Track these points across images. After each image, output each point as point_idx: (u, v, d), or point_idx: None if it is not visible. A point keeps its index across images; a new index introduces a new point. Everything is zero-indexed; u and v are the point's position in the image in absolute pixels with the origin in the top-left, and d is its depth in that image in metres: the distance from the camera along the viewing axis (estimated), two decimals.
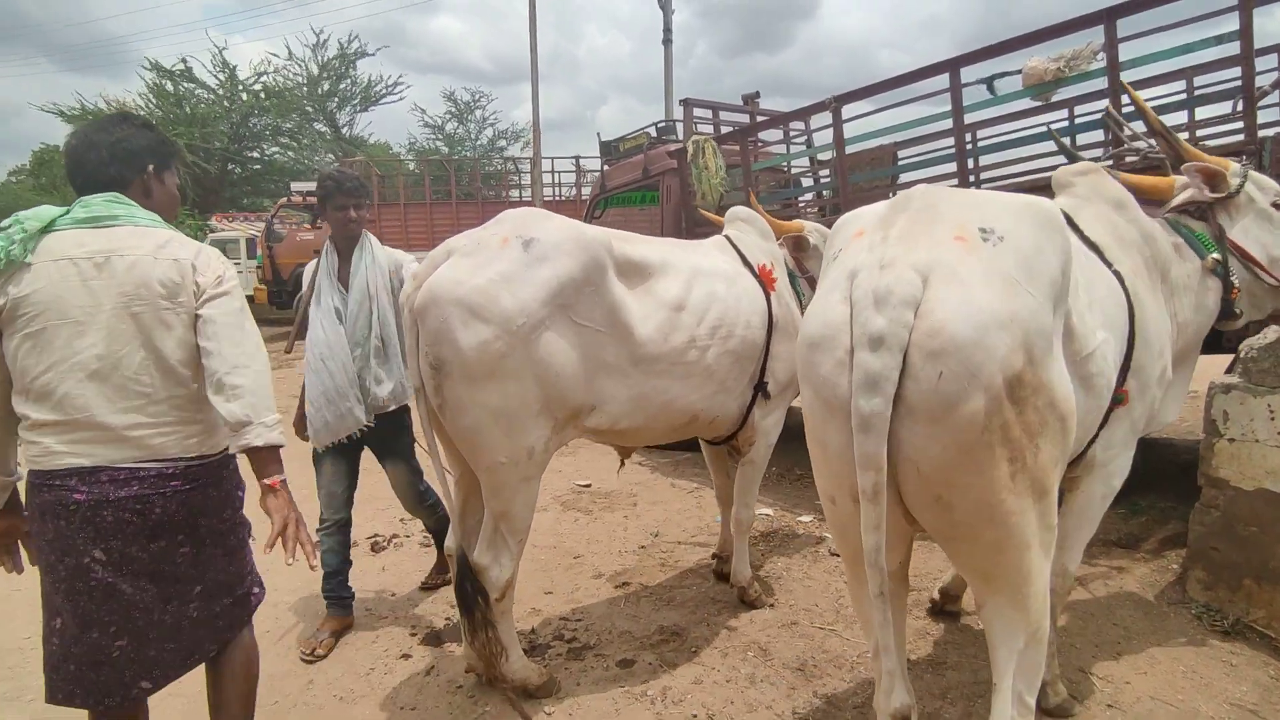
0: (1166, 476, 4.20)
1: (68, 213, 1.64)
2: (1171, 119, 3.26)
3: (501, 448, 2.17)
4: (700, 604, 3.18)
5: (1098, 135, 3.70)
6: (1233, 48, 2.87)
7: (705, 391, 2.57)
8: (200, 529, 1.71)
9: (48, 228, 1.61)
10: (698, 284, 2.55)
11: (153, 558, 1.64)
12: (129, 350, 1.58)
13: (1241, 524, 2.66)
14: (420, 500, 3.13)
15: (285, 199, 15.58)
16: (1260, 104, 2.96)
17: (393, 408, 2.90)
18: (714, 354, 2.53)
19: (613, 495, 4.68)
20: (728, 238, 2.98)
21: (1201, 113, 3.21)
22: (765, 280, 2.77)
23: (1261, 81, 2.97)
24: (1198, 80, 3.06)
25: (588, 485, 4.88)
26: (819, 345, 1.45)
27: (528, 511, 2.35)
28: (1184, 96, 3.34)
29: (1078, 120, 3.59)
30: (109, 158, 1.69)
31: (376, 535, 3.97)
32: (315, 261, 2.93)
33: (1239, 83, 2.91)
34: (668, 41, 11.52)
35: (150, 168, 1.76)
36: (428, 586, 3.38)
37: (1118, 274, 1.98)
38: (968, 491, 1.35)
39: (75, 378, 1.55)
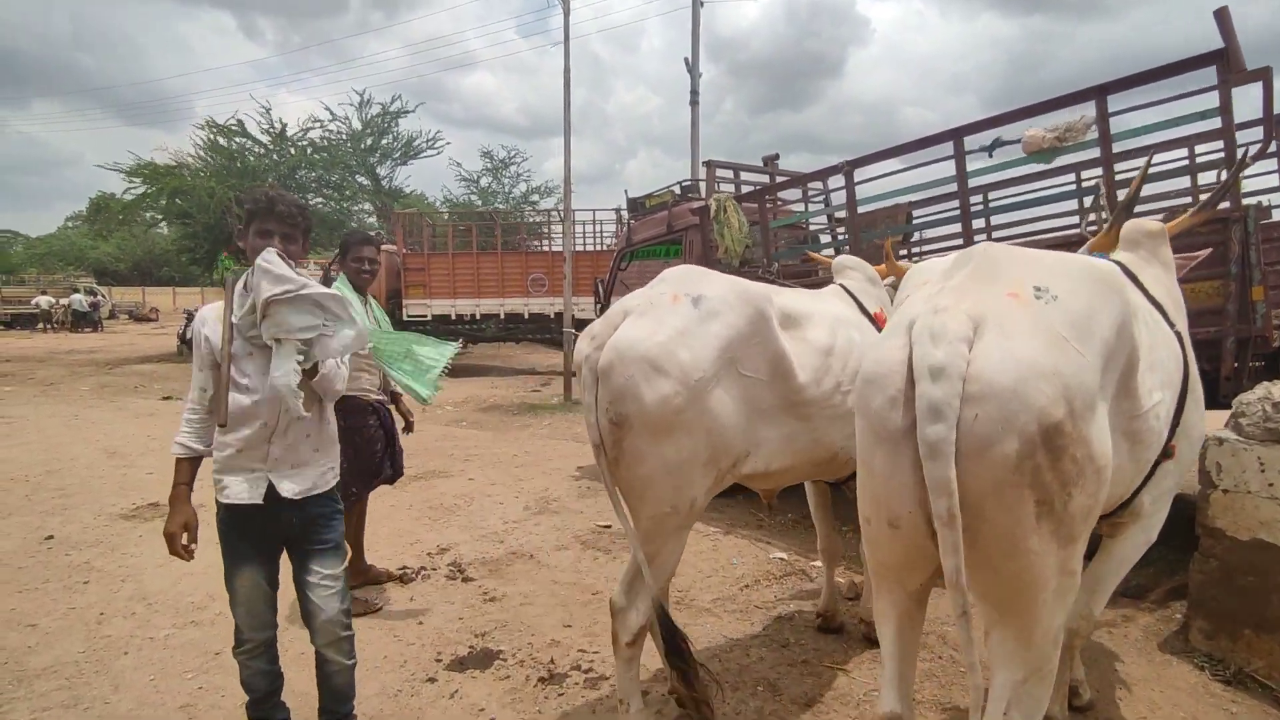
0: (1176, 529, 4.24)
1: None
2: (1158, 187, 3.47)
3: (668, 498, 2.25)
4: (712, 641, 3.30)
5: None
6: (1214, 122, 3.08)
7: (846, 431, 2.66)
8: None
9: None
10: (840, 331, 2.68)
11: None
12: None
13: (1239, 574, 2.74)
14: (345, 619, 2.30)
15: None
16: (1243, 174, 3.15)
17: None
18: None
19: None
20: (843, 286, 3.07)
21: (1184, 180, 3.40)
22: (881, 326, 2.85)
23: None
24: (1183, 151, 3.26)
25: (608, 526, 5.02)
26: (874, 382, 1.59)
27: (675, 559, 2.45)
28: (1194, 164, 3.53)
29: (1073, 186, 3.80)
30: None
31: (405, 568, 4.15)
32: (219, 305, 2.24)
33: (1222, 154, 3.11)
34: (694, 103, 12.03)
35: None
36: None
37: (1178, 334, 2.13)
38: (994, 526, 1.45)
39: None
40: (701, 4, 11.88)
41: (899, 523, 1.58)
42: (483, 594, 3.83)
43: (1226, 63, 2.95)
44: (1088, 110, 3.39)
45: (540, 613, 3.60)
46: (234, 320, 2.11)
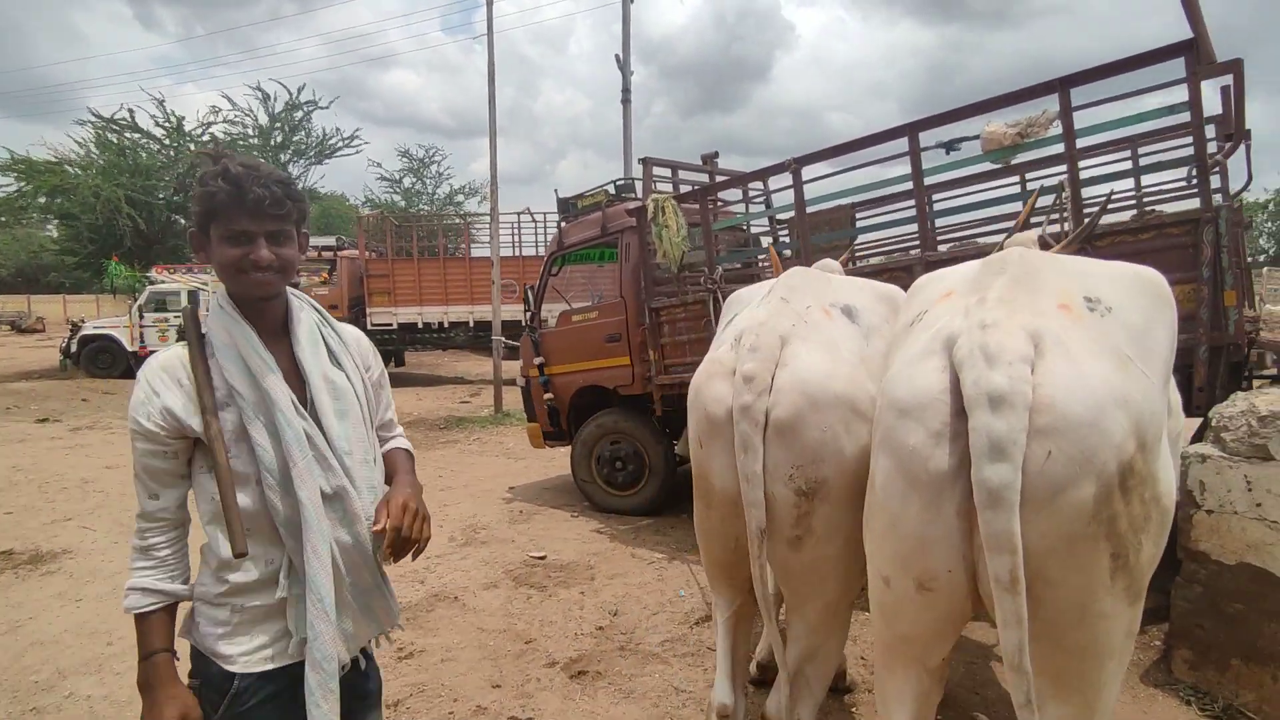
0: None
1: None
2: (1122, 185, 3.30)
3: (853, 578, 1.76)
4: (663, 695, 2.92)
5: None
6: (1183, 117, 2.93)
7: None
8: None
9: None
10: None
11: None
12: None
13: (1226, 600, 2.55)
14: None
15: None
16: (1213, 172, 3.01)
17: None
18: None
19: (569, 568, 4.39)
20: None
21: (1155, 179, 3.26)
22: None
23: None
24: (1152, 148, 3.11)
25: (542, 557, 4.58)
26: (909, 413, 1.31)
27: (842, 650, 1.97)
28: (1137, 165, 3.40)
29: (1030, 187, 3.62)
30: None
31: None
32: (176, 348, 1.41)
33: (1191, 151, 2.96)
34: (626, 101, 11.67)
35: None
36: None
37: None
38: (1060, 588, 1.21)
39: None
40: (632, 0, 11.55)
41: (934, 584, 1.29)
42: (398, 650, 3.32)
43: (1196, 54, 2.79)
44: (1050, 104, 3.21)
45: (464, 670, 3.13)
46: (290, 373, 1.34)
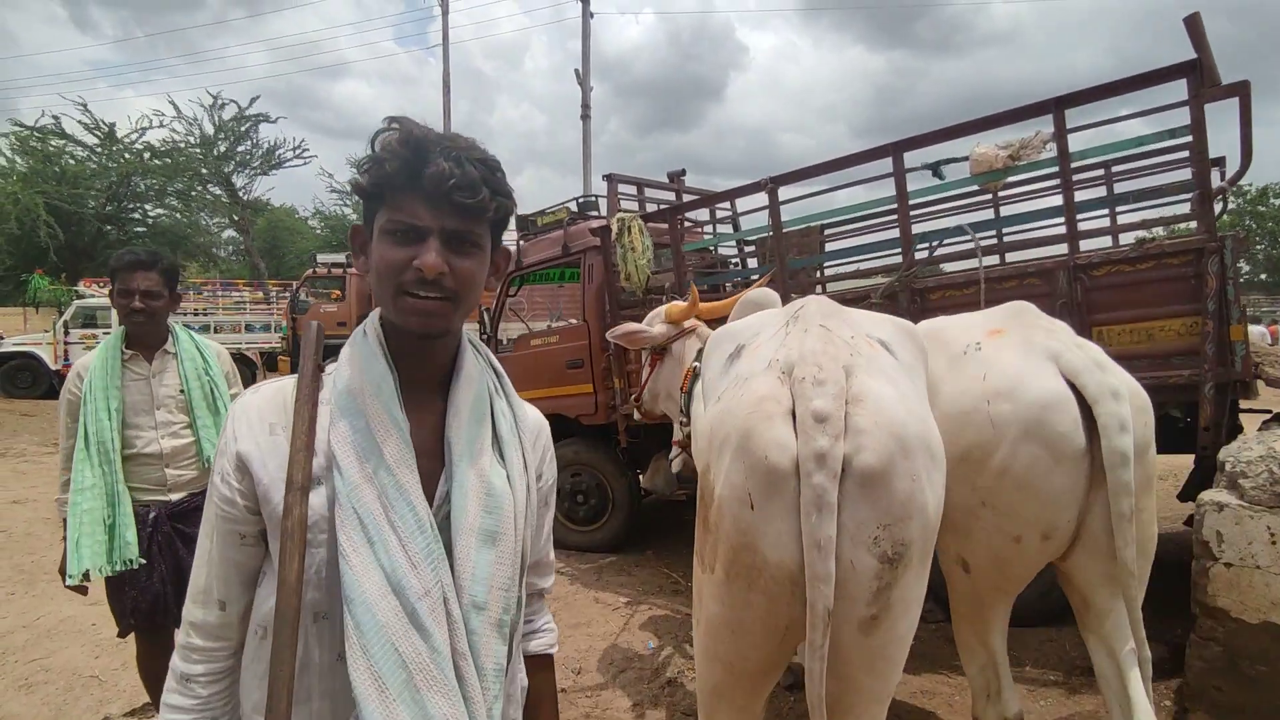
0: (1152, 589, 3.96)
1: None
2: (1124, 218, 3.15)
3: (905, 658, 1.47)
4: None
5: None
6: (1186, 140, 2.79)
7: None
8: None
9: None
10: None
11: None
12: None
13: (1247, 661, 2.36)
14: None
15: (311, 270, 15.16)
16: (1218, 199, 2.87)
17: None
18: None
19: None
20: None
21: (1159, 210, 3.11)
22: None
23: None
24: (1154, 177, 2.97)
25: None
26: (1055, 407, 1.77)
27: None
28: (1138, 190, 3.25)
29: (1020, 211, 3.46)
30: None
31: None
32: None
33: (1188, 176, 2.82)
34: (586, 117, 11.46)
35: None
36: None
37: None
38: (1143, 513, 1.80)
39: None
40: (592, 15, 11.36)
41: (1055, 534, 1.83)
42: None
43: (1199, 76, 2.65)
44: (1044, 125, 3.05)
45: None
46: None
